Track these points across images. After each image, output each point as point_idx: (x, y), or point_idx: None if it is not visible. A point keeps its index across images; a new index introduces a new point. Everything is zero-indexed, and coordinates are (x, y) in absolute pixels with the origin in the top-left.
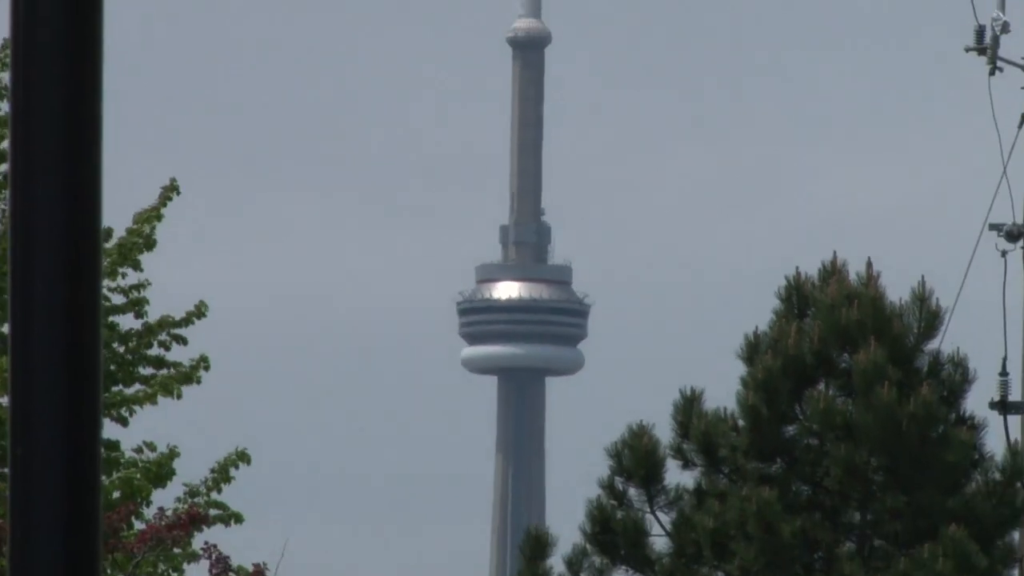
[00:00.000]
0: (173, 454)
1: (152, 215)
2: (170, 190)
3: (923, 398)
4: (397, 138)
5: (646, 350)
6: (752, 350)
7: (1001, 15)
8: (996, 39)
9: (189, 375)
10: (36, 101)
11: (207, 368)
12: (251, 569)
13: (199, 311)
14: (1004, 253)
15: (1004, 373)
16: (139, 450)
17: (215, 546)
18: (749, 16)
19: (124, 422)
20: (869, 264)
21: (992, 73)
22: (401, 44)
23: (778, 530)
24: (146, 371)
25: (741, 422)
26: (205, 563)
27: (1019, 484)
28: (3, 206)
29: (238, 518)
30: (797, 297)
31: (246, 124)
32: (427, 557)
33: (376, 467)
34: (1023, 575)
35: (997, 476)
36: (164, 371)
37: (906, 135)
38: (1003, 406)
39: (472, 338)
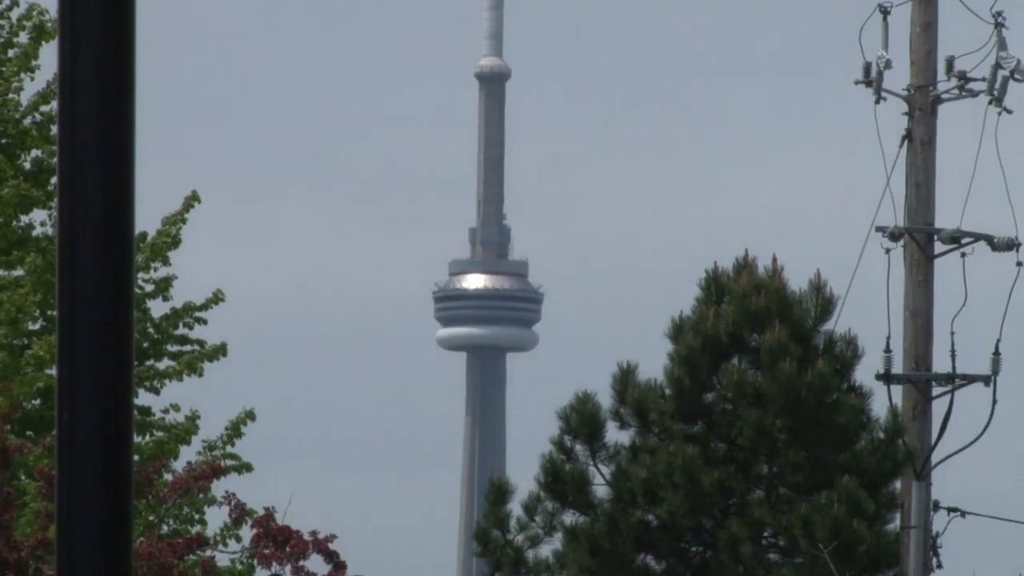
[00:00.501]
0: (195, 417)
1: (177, 219)
2: (192, 199)
3: (819, 371)
4: (383, 155)
5: (590, 331)
6: (677, 331)
7: (885, 54)
8: (880, 74)
9: (211, 355)
10: (80, 129)
11: (224, 354)
12: (262, 512)
13: (216, 298)
14: (888, 251)
15: (888, 350)
16: (167, 411)
17: (233, 494)
18: (677, 50)
19: (156, 391)
20: (774, 260)
21: (877, 102)
22: (389, 77)
23: (699, 480)
24: (173, 348)
25: (668, 391)
26: (225, 508)
27: (899, 441)
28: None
29: (248, 467)
30: (715, 287)
31: (250, 141)
32: (409, 501)
33: (365, 427)
34: (904, 518)
35: (881, 435)
36: (189, 348)
37: (808, 153)
38: (887, 377)
39: (445, 321)
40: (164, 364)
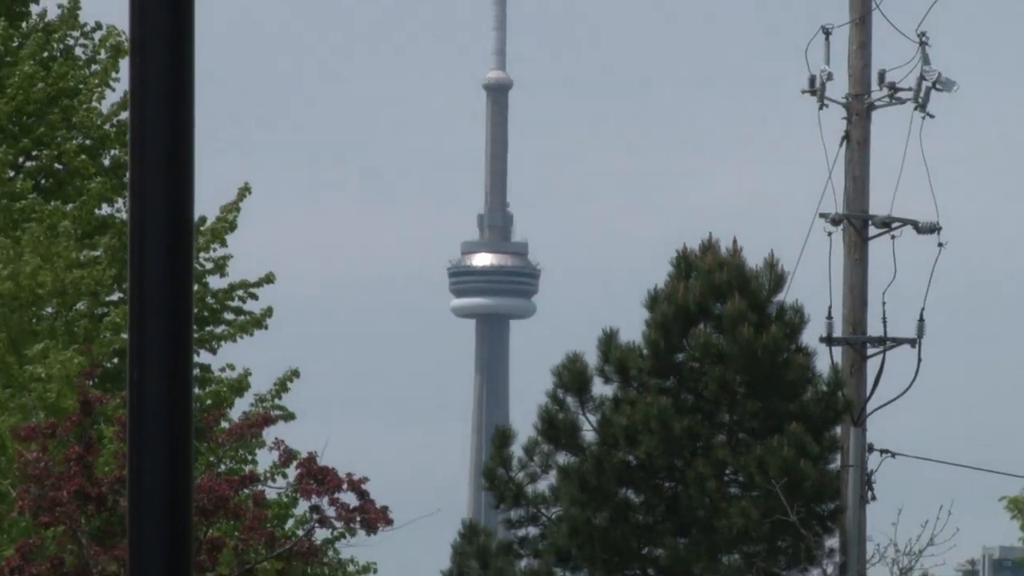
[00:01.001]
0: (247, 374)
1: (233, 208)
2: (244, 190)
3: (772, 335)
4: (406, 153)
5: (579, 302)
6: (653, 301)
7: (827, 68)
8: (823, 85)
9: (259, 320)
10: (148, 132)
11: (270, 316)
12: (305, 454)
13: (268, 278)
14: (829, 234)
15: (829, 317)
16: (223, 369)
17: (281, 440)
18: (656, 66)
19: (214, 351)
20: (734, 242)
21: (821, 108)
22: (412, 88)
23: (671, 427)
24: (229, 317)
25: (645, 351)
26: (274, 452)
27: (839, 394)
28: (127, 203)
29: (292, 417)
30: (684, 265)
31: (294, 141)
32: (427, 446)
33: (391, 382)
34: (843, 459)
35: (824, 388)
36: (242, 317)
37: (763, 152)
38: (829, 340)
39: (458, 293)
40: (221, 329)
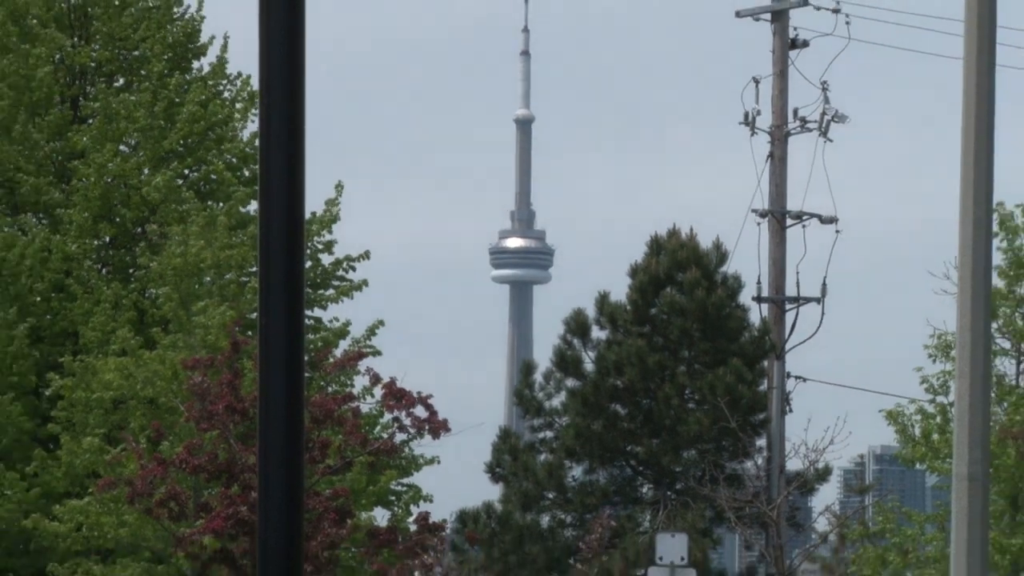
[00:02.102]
0: (347, 323)
1: (334, 202)
2: (339, 187)
3: (719, 295)
4: (461, 168)
5: (582, 272)
6: (634, 272)
7: (756, 106)
8: (754, 119)
9: (357, 286)
10: (273, 150)
11: (366, 284)
12: (388, 380)
13: (364, 255)
14: (759, 224)
15: (759, 283)
16: (331, 321)
17: (371, 369)
18: (641, 100)
19: (324, 308)
20: (691, 230)
21: (752, 135)
22: (462, 121)
23: (647, 361)
24: (336, 283)
25: (628, 308)
26: (366, 378)
27: (766, 337)
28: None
29: (379, 353)
30: (656, 246)
31: (376, 153)
32: (472, 376)
33: (448, 330)
34: (769, 383)
35: (756, 334)
36: (345, 283)
37: (714, 167)
38: (759, 299)
39: (497, 266)
40: (330, 292)
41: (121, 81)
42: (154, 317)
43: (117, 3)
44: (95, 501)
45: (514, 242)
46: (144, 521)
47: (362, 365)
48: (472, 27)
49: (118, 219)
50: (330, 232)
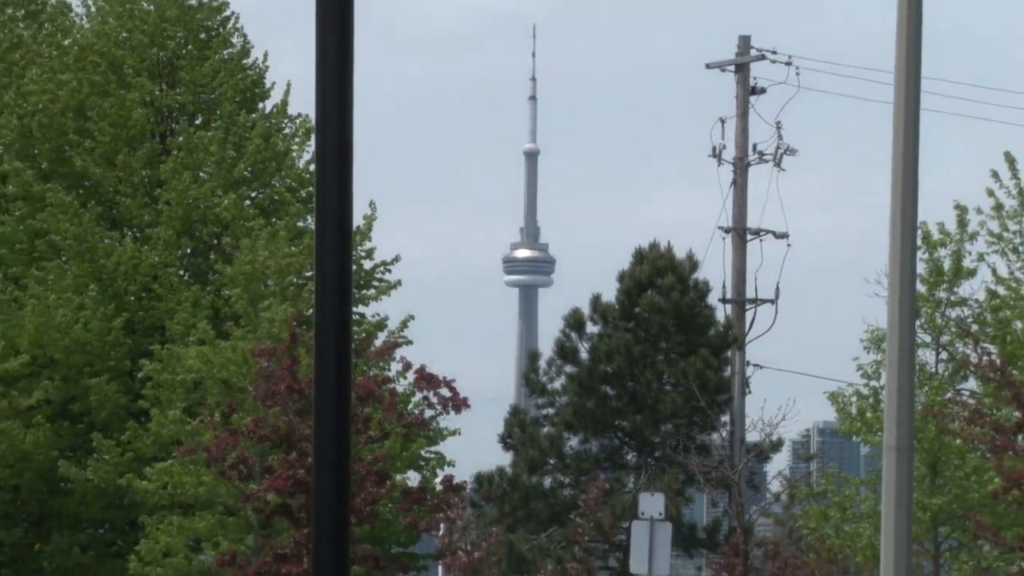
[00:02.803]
0: (385, 318)
1: (371, 217)
2: (372, 206)
3: (691, 297)
4: (479, 192)
5: (579, 278)
6: (622, 278)
7: (723, 141)
8: (720, 152)
9: (392, 286)
10: (327, 177)
11: (400, 285)
12: (419, 366)
13: (396, 259)
14: (723, 239)
15: (724, 287)
16: (372, 316)
17: (404, 357)
18: (621, 137)
19: (367, 305)
20: (669, 243)
21: (719, 166)
22: (480, 153)
23: (632, 351)
24: (375, 284)
25: (617, 307)
26: (400, 364)
27: (730, 331)
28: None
29: (410, 343)
30: (640, 256)
31: (405, 178)
32: (488, 364)
33: (468, 326)
34: (732, 369)
35: (721, 329)
36: (383, 283)
37: (688, 191)
38: (724, 300)
39: (508, 272)
40: (370, 292)
41: (200, 120)
42: (227, 313)
43: (198, 56)
44: (178, 464)
45: (523, 253)
46: (218, 481)
47: (397, 353)
48: (488, 77)
49: (197, 234)
50: (369, 240)
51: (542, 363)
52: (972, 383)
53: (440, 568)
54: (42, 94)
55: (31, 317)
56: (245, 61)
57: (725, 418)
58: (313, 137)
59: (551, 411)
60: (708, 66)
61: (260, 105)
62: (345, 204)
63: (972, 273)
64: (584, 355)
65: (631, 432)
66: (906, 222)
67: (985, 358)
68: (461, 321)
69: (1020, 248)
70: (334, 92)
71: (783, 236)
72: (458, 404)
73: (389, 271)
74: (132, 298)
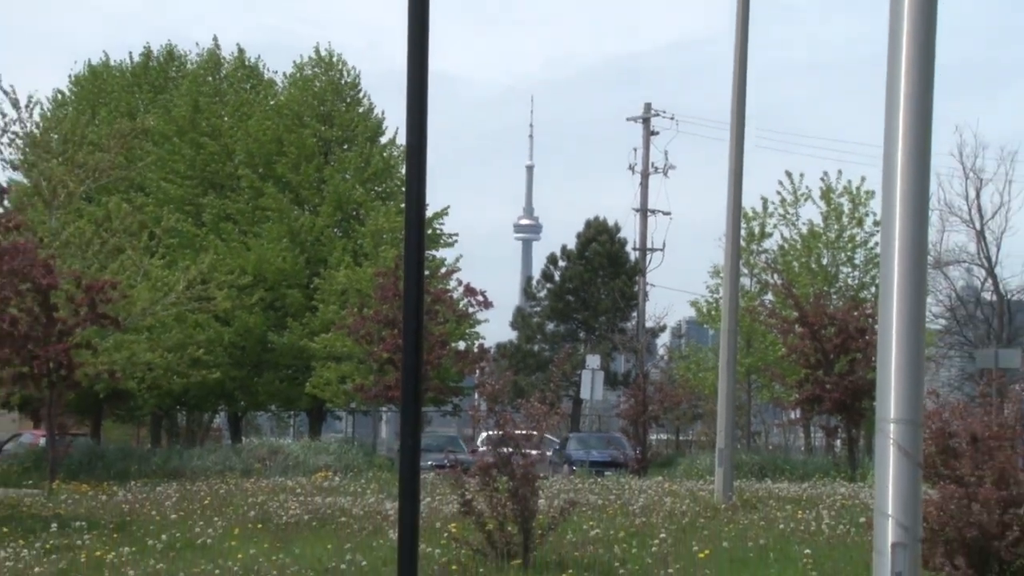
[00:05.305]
0: (444, 259)
1: (444, 211)
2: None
3: (616, 246)
4: (501, 190)
5: (555, 237)
6: (578, 236)
7: (636, 161)
8: (632, 167)
9: (452, 239)
10: (411, 173)
11: (457, 238)
12: (465, 283)
13: (446, 210)
14: (635, 213)
15: (635, 241)
16: (441, 257)
17: (458, 278)
18: (579, 153)
19: (436, 250)
20: (605, 219)
21: (633, 175)
22: (484, 174)
23: (583, 277)
24: (442, 239)
25: (575, 252)
26: (454, 281)
27: (637, 265)
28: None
29: (458, 270)
30: (588, 225)
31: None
32: (501, 283)
33: (491, 273)
34: (640, 287)
35: (632, 263)
36: (445, 235)
37: (614, 188)
38: (635, 248)
39: (516, 232)
40: (440, 244)
41: (345, 146)
42: (361, 253)
43: (345, 110)
44: (334, 335)
45: (524, 221)
46: (355, 344)
47: (453, 276)
48: (492, 134)
49: (344, 209)
50: (447, 215)
51: (534, 282)
52: (771, 296)
53: (476, 394)
54: (259, 131)
55: (253, 254)
56: (371, 113)
57: (635, 314)
58: (405, 157)
59: (538, 309)
60: (627, 119)
61: (380, 139)
62: (421, 194)
63: (770, 235)
64: (557, 278)
65: (582, 321)
66: (735, 207)
67: (778, 281)
68: (489, 259)
69: (794, 222)
70: (416, 129)
71: (668, 213)
72: (487, 304)
73: (443, 223)
74: (309, 244)
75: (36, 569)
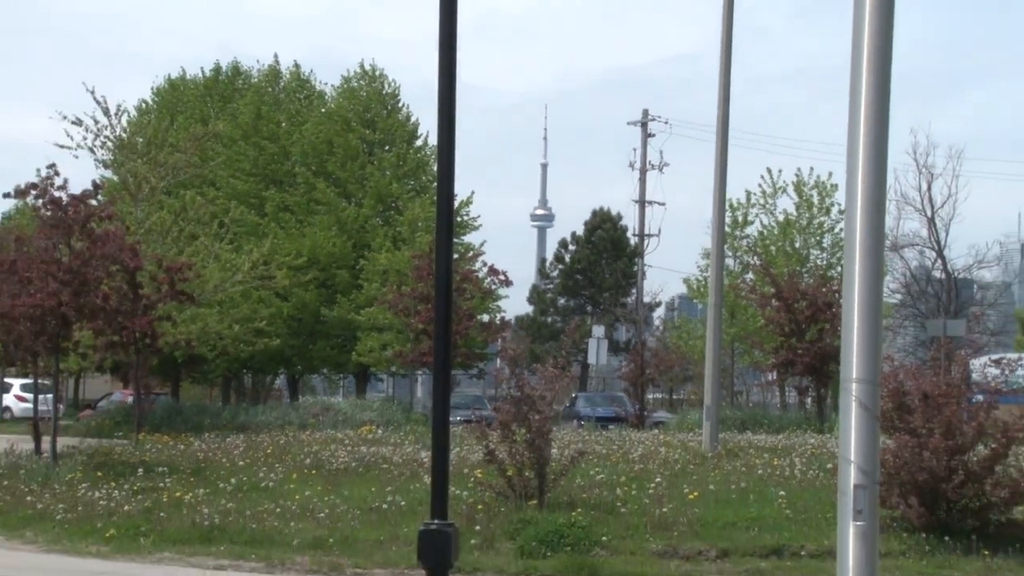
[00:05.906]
0: (470, 244)
1: (468, 200)
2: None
3: (618, 232)
4: (521, 185)
5: (567, 225)
6: (586, 224)
7: (636, 159)
8: (632, 164)
9: (476, 227)
10: (443, 175)
11: (481, 224)
12: (489, 264)
13: (470, 198)
14: (635, 204)
15: (635, 228)
16: (467, 242)
17: (483, 260)
18: (587, 154)
19: (462, 237)
20: (609, 209)
21: (633, 171)
22: (504, 172)
23: (590, 259)
24: (469, 225)
25: (583, 237)
26: (480, 262)
27: (637, 249)
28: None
29: (483, 253)
30: (595, 214)
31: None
32: (520, 264)
33: (514, 249)
34: (639, 268)
35: (632, 247)
36: (470, 222)
37: (617, 185)
38: (635, 235)
39: (532, 220)
40: (466, 231)
41: (386, 147)
42: (400, 238)
43: (385, 116)
44: (376, 309)
45: (539, 211)
46: (394, 317)
47: (479, 259)
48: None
49: (384, 200)
50: (463, 213)
51: (547, 264)
52: (751, 275)
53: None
54: (312, 135)
55: (308, 240)
56: (408, 119)
57: (634, 291)
58: (436, 156)
59: (551, 286)
60: (628, 123)
61: (415, 142)
62: (450, 188)
63: (751, 223)
64: (567, 260)
65: (589, 297)
66: (721, 199)
67: (757, 262)
68: (510, 244)
69: (772, 212)
70: (445, 135)
71: (663, 204)
72: (507, 283)
73: (469, 211)
74: (355, 231)
75: (126, 507)
